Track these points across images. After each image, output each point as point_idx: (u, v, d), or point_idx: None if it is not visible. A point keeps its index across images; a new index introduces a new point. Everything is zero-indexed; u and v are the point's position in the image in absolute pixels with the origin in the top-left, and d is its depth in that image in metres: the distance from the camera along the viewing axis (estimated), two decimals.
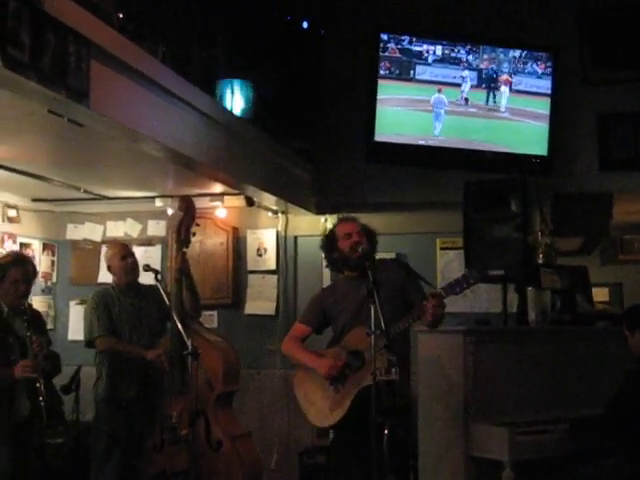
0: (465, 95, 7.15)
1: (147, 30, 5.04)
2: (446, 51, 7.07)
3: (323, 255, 5.26)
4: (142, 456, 5.76)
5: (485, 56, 7.11)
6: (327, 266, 5.34)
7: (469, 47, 7.10)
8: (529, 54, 7.16)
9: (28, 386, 4.98)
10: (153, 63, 4.75)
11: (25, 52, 3.44)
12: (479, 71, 7.12)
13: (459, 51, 7.09)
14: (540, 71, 7.17)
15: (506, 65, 7.15)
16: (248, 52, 6.72)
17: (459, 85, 7.14)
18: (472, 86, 7.12)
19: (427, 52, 7.03)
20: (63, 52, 3.71)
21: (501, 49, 7.15)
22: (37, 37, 3.52)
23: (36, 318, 5.44)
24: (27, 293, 5.28)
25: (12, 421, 5.01)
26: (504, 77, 7.18)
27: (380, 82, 7.00)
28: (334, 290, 5.23)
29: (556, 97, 7.19)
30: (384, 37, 6.98)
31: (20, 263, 5.29)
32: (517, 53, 7.16)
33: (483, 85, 7.16)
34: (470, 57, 7.09)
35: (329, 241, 5.11)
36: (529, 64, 7.17)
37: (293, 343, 5.19)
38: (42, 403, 4.92)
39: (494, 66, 7.13)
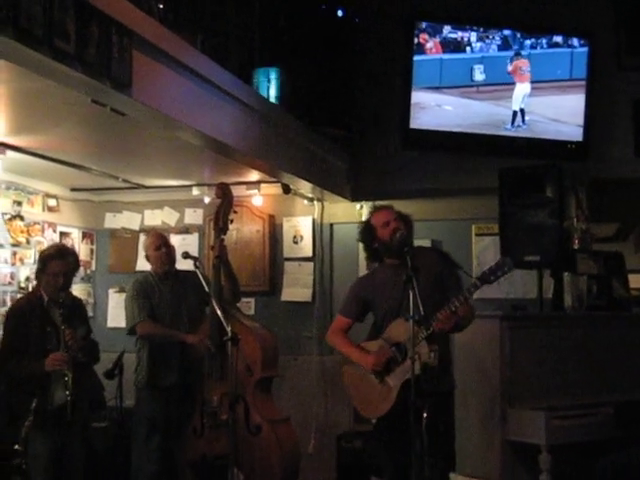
0: (500, 81, 7.13)
1: (186, 20, 5.09)
2: (481, 37, 7.05)
3: (362, 247, 5.24)
4: (181, 441, 5.84)
5: (520, 42, 7.07)
6: (367, 258, 5.31)
7: (504, 33, 7.07)
8: (564, 39, 7.12)
9: (66, 381, 5.08)
10: (192, 52, 4.80)
11: (71, 43, 3.50)
12: (513, 57, 7.09)
13: (494, 37, 7.07)
14: (569, 59, 7.12)
15: (541, 50, 7.12)
16: (284, 41, 6.76)
17: (493, 71, 7.11)
18: (507, 72, 7.09)
19: (462, 39, 7.01)
20: (107, 43, 3.77)
21: (536, 35, 7.11)
22: (82, 28, 3.58)
23: (77, 308, 5.54)
24: (66, 286, 5.35)
25: (48, 408, 5.09)
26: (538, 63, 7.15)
27: (415, 69, 6.98)
28: (373, 278, 5.22)
29: (592, 82, 7.16)
30: (419, 24, 6.98)
31: (60, 256, 5.36)
32: (553, 39, 7.13)
33: (517, 71, 7.14)
34: (505, 43, 7.06)
35: (368, 232, 5.08)
36: (565, 49, 7.14)
37: (337, 336, 5.20)
38: (68, 397, 5.01)
39: (529, 52, 7.10)
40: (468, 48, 6.97)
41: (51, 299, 5.26)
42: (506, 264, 4.60)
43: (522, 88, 7.02)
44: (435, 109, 7.00)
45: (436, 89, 6.98)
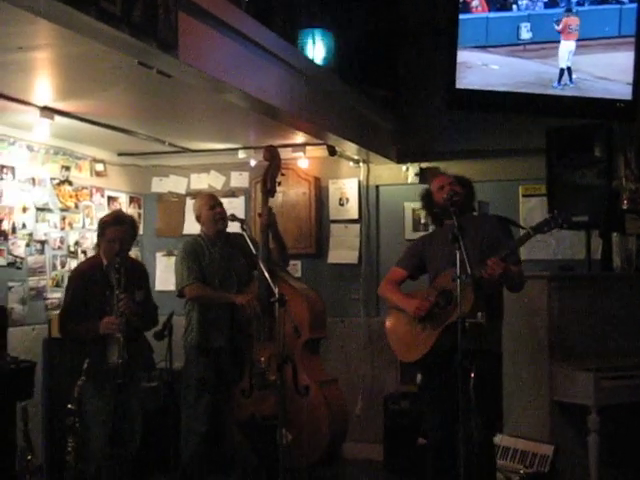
0: (547, 39, 7.01)
1: None
2: None
3: (425, 212, 5.49)
4: (230, 401, 5.89)
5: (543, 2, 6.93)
6: (431, 222, 5.54)
7: None
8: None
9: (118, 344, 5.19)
10: (237, 13, 4.79)
11: (117, 5, 3.52)
12: (563, 14, 6.96)
13: None
14: (618, 16, 6.98)
15: (589, 7, 6.98)
16: (329, 2, 6.72)
17: (540, 29, 6.99)
18: (556, 30, 6.97)
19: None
20: (152, 4, 3.78)
21: None
22: None
23: (136, 272, 5.60)
24: (122, 252, 5.41)
25: (105, 367, 5.21)
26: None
27: (461, 28, 6.89)
28: (431, 237, 5.37)
29: None
30: None
31: (117, 223, 5.45)
32: None
33: (566, 29, 7.02)
34: (552, 1, 6.94)
35: (427, 199, 5.30)
36: (613, 5, 7.00)
37: (389, 285, 5.32)
38: (120, 360, 5.11)
39: (577, 9, 6.97)
40: (514, 6, 6.84)
41: (109, 264, 5.35)
42: (560, 217, 4.72)
43: (567, 45, 6.90)
44: (482, 68, 6.87)
45: (482, 48, 6.85)
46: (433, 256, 5.14)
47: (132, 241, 5.64)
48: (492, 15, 6.80)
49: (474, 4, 6.76)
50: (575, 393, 5.65)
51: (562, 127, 6.70)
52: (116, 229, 5.39)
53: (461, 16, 6.79)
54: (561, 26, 6.80)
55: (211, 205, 6.10)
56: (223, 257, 6.08)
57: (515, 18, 6.80)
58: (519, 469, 5.67)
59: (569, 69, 6.88)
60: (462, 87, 6.91)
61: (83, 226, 7.35)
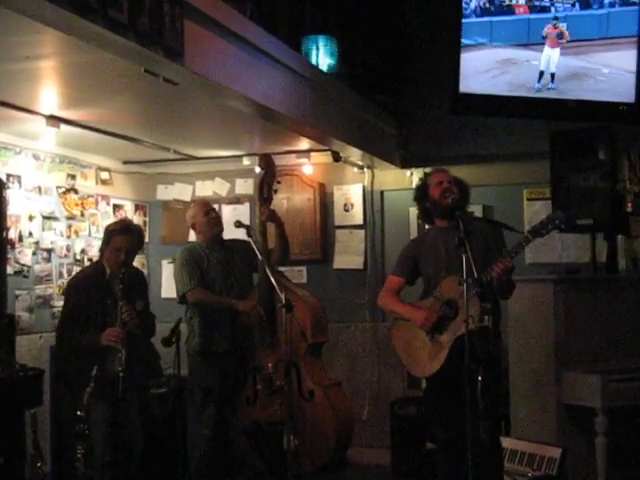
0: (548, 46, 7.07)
1: None
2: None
3: (416, 205, 5.32)
4: (235, 407, 5.90)
5: (572, 2, 6.99)
6: (419, 217, 5.42)
7: None
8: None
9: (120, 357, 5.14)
10: (242, 21, 4.83)
11: (124, 13, 3.55)
12: (570, 18, 7.01)
13: None
14: (632, 17, 7.03)
15: (597, 12, 7.03)
16: (332, 8, 6.75)
17: (542, 36, 7.05)
18: (558, 35, 7.02)
19: (516, 1, 6.95)
20: (159, 12, 3.81)
21: None
22: None
23: (137, 281, 5.57)
24: (127, 261, 5.38)
25: (106, 377, 5.14)
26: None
27: (469, 33, 6.95)
28: (424, 240, 5.25)
29: None
30: None
31: (125, 231, 5.40)
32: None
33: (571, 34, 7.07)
34: (557, 5, 6.99)
35: (421, 191, 5.17)
36: (621, 10, 7.03)
37: (389, 296, 5.21)
38: (121, 373, 5.04)
39: (585, 12, 7.01)
40: (552, 8, 6.97)
41: (113, 273, 5.31)
42: (557, 217, 4.62)
43: (551, 52, 7.02)
44: (523, 65, 7.02)
45: (524, 46, 7.02)
46: (428, 260, 5.05)
47: (137, 251, 5.63)
48: (533, 16, 6.99)
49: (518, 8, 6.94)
50: (582, 396, 5.66)
51: (565, 130, 6.72)
52: (123, 238, 5.35)
53: (503, 17, 6.95)
54: (545, 33, 6.95)
55: (205, 211, 6.12)
56: (222, 263, 6.07)
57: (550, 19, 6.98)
58: (527, 472, 5.66)
59: (552, 75, 6.97)
60: (465, 91, 6.95)
61: (89, 234, 7.36)
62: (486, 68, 6.98)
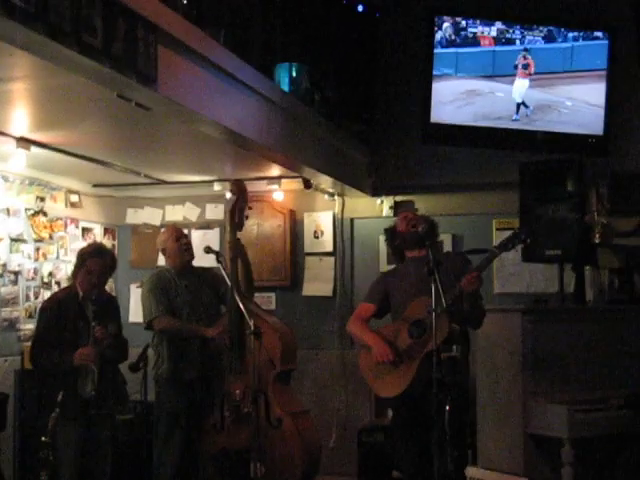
0: (519, 77, 7.17)
1: (209, 15, 5.12)
2: (501, 32, 7.08)
3: (387, 246, 5.46)
4: (202, 434, 5.86)
5: (540, 36, 7.10)
6: (393, 256, 5.47)
7: (524, 27, 7.09)
8: (585, 34, 7.13)
9: (92, 376, 5.18)
10: (215, 47, 4.82)
11: (98, 38, 3.54)
12: (534, 51, 7.11)
13: (514, 32, 7.09)
14: (596, 51, 7.15)
15: (561, 45, 7.14)
16: (305, 36, 6.78)
17: (514, 66, 7.14)
18: (524, 66, 7.13)
19: (482, 33, 7.05)
20: (133, 37, 3.81)
21: (557, 29, 7.13)
22: (109, 23, 3.62)
23: (110, 305, 5.63)
24: (100, 283, 5.46)
25: (78, 400, 5.18)
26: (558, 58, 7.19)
27: (435, 64, 7.03)
28: (395, 271, 5.37)
29: (612, 77, 7.15)
30: (438, 19, 7.01)
31: (98, 254, 5.47)
32: (573, 33, 7.14)
33: (536, 66, 7.17)
34: (525, 38, 7.09)
35: (391, 232, 5.30)
36: (585, 44, 7.15)
37: (357, 323, 5.26)
38: (93, 392, 5.10)
39: (549, 46, 7.12)
40: (517, 41, 7.14)
41: (85, 295, 5.35)
42: (523, 232, 4.80)
43: (521, 83, 7.13)
44: (488, 95, 7.17)
45: (489, 77, 7.16)
46: (397, 291, 5.13)
47: (110, 274, 5.68)
48: (498, 48, 7.14)
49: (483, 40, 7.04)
50: (549, 426, 5.67)
51: (535, 162, 6.79)
52: (96, 261, 5.40)
53: (469, 49, 7.06)
54: (516, 63, 7.07)
55: (177, 237, 6.11)
56: (190, 290, 6.06)
57: (518, 52, 7.13)
58: None
59: (524, 103, 7.07)
60: (436, 121, 7.01)
61: (57, 257, 7.32)
62: (451, 98, 7.10)
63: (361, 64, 7.38)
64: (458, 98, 7.11)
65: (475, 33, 7.06)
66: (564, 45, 7.15)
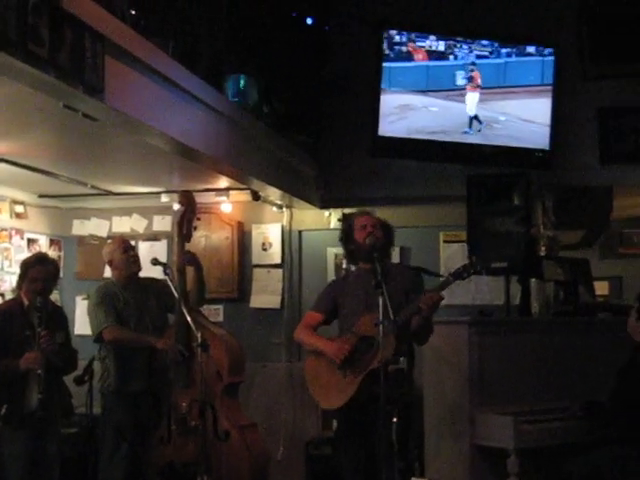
0: (465, 91, 7.24)
1: (157, 26, 5.10)
2: (448, 46, 7.15)
3: (341, 247, 5.42)
4: (149, 448, 5.81)
5: (485, 51, 7.19)
6: (345, 257, 5.57)
7: (469, 42, 7.17)
8: (529, 49, 7.23)
9: (38, 380, 5.12)
10: (163, 58, 4.81)
11: (44, 48, 3.50)
12: (479, 66, 7.20)
13: (460, 46, 7.17)
14: (540, 66, 7.25)
15: (506, 60, 7.23)
16: (254, 47, 6.77)
17: (457, 81, 7.23)
18: (470, 79, 7.21)
19: (430, 47, 7.12)
20: (80, 48, 3.78)
21: (500, 44, 7.22)
22: (55, 33, 3.59)
23: (56, 314, 5.60)
24: (44, 291, 5.42)
25: (24, 411, 5.13)
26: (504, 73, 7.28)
27: (384, 77, 7.07)
28: (345, 279, 5.42)
29: (557, 92, 7.25)
30: (387, 32, 7.05)
31: (40, 263, 5.47)
32: (517, 48, 7.24)
33: (483, 80, 7.25)
34: (471, 53, 7.17)
35: (346, 233, 5.25)
36: (529, 59, 7.25)
37: (305, 330, 5.25)
38: (39, 395, 5.07)
39: (494, 61, 7.21)
40: (451, 56, 7.20)
41: (31, 304, 5.32)
42: (478, 263, 4.89)
43: (473, 97, 7.22)
44: (422, 110, 7.23)
45: (423, 92, 7.23)
46: (346, 300, 5.13)
47: (54, 282, 5.64)
48: (432, 63, 7.22)
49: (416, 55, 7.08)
50: (495, 436, 5.70)
51: (482, 175, 6.86)
52: (39, 269, 5.39)
53: (403, 64, 7.09)
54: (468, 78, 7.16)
55: (124, 248, 6.08)
56: (137, 302, 6.02)
57: (451, 67, 7.21)
58: None
59: (477, 117, 7.14)
60: (384, 135, 7.05)
61: (2, 268, 7.23)
62: (385, 113, 7.13)
63: (310, 77, 7.39)
64: (392, 112, 7.17)
65: (408, 48, 7.13)
66: (497, 61, 7.25)
